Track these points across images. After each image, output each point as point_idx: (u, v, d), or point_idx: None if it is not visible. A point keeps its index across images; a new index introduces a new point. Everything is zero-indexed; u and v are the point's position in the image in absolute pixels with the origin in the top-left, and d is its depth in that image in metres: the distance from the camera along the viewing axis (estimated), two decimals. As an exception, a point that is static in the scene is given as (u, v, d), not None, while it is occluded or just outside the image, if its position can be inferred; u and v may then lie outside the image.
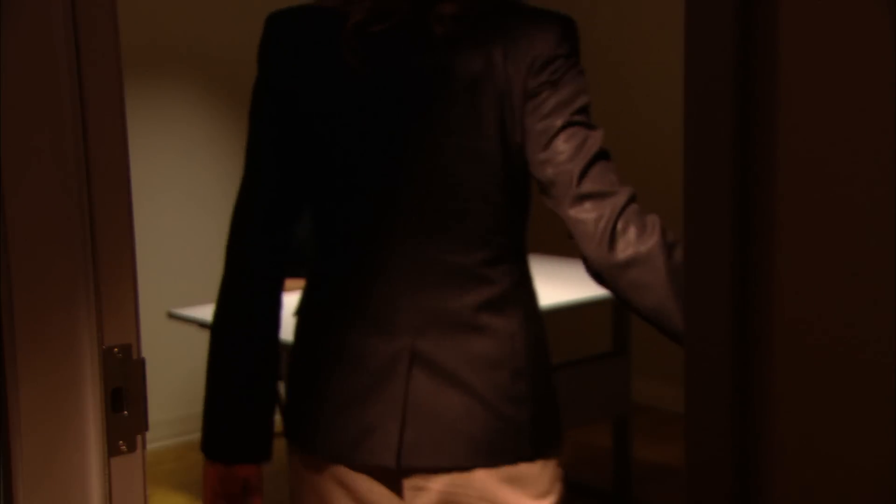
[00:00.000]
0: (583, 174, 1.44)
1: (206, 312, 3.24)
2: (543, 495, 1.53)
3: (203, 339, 3.97)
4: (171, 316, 3.28)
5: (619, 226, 1.42)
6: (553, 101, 1.45)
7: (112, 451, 1.10)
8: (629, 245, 1.41)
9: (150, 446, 1.28)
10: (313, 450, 1.55)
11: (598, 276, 1.45)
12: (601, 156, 1.46)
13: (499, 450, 1.49)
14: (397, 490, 1.52)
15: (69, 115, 1.05)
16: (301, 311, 1.67)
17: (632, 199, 1.45)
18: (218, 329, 1.66)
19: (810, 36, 0.86)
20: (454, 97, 1.47)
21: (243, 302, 1.63)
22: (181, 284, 4.32)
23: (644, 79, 4.66)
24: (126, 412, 1.10)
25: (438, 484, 1.50)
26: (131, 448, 1.11)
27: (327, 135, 1.51)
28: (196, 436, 4.77)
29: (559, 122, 1.45)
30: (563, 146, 1.45)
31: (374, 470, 1.51)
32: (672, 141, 4.26)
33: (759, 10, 0.88)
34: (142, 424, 1.12)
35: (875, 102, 0.83)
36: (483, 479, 1.49)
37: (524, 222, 1.55)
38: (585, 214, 1.43)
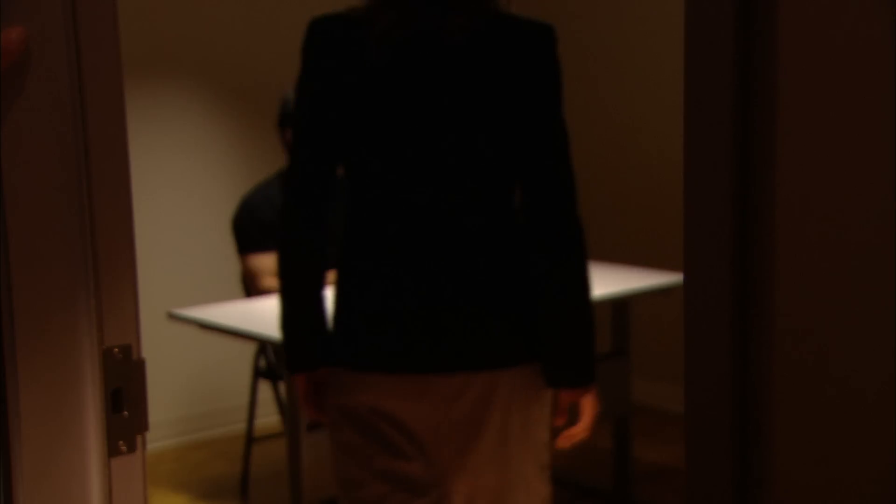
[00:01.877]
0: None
1: (206, 313, 3.24)
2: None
3: (203, 340, 3.98)
4: (172, 316, 3.28)
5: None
6: (542, 101, 1.88)
7: (112, 451, 1.10)
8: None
9: (150, 446, 1.29)
10: (366, 365, 1.92)
11: None
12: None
13: (513, 354, 1.92)
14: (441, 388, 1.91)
15: (69, 115, 1.05)
16: (344, 260, 2.02)
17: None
18: (287, 273, 2.01)
19: (810, 36, 0.86)
20: (461, 93, 1.86)
21: (302, 241, 2.00)
22: (181, 284, 4.32)
23: (644, 79, 4.66)
24: (126, 413, 1.10)
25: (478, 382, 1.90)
26: (131, 448, 1.11)
27: (355, 120, 1.88)
28: (196, 436, 4.77)
29: (547, 121, 1.88)
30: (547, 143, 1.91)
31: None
32: (672, 142, 4.26)
33: (759, 9, 0.88)
34: (142, 425, 1.12)
35: (875, 104, 0.83)
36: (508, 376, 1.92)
37: (512, 199, 1.95)
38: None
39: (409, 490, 1.93)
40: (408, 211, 1.90)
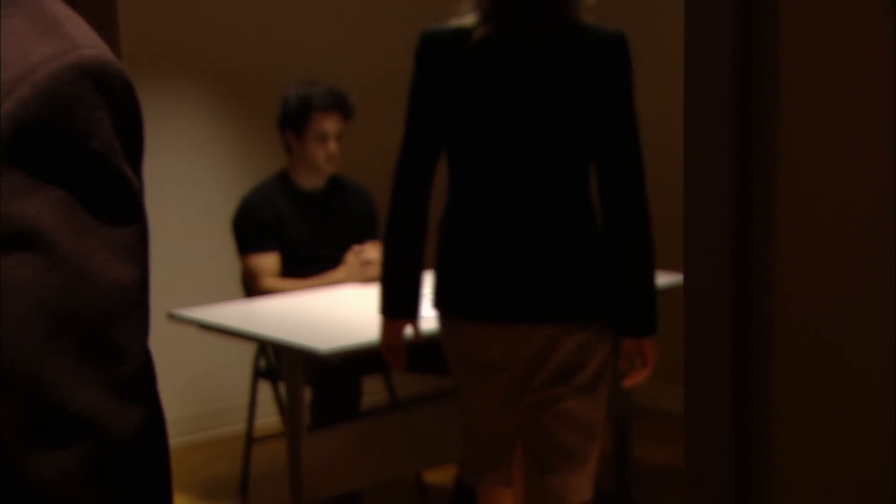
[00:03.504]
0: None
1: (206, 313, 3.24)
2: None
3: (203, 340, 3.98)
4: (172, 317, 3.28)
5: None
6: (620, 97, 2.28)
7: (112, 451, 1.09)
8: None
9: (150, 447, 1.28)
10: (466, 314, 2.40)
11: None
12: None
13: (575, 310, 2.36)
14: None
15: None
16: (445, 229, 2.44)
17: None
18: (392, 232, 2.47)
19: (810, 35, 0.86)
20: (545, 92, 2.27)
21: (410, 209, 2.43)
22: (181, 285, 4.32)
23: (644, 79, 4.66)
24: (126, 412, 1.10)
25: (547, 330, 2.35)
26: (131, 448, 1.10)
27: (455, 112, 2.33)
28: (196, 436, 4.77)
29: (624, 114, 2.29)
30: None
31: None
32: (672, 142, 4.26)
33: (759, 9, 0.88)
34: (142, 425, 1.11)
35: (875, 103, 0.83)
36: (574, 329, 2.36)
37: (585, 183, 2.35)
38: None
39: (493, 404, 2.44)
40: (497, 189, 2.32)
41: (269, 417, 4.26)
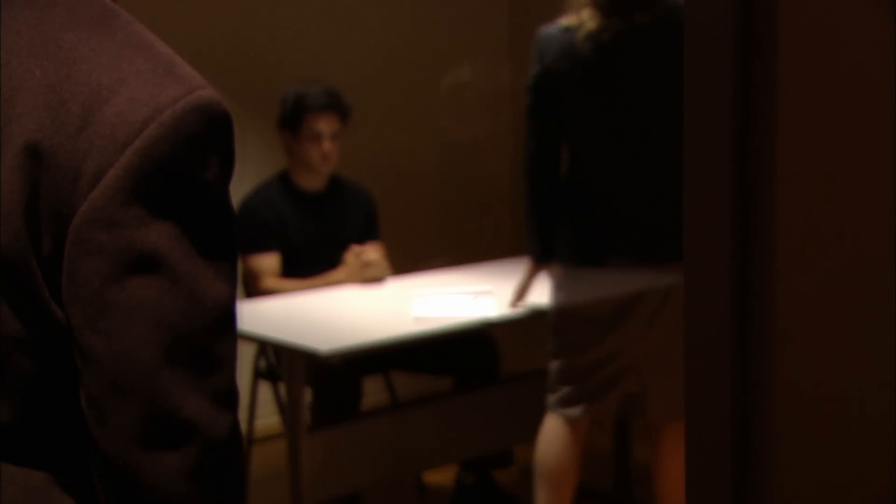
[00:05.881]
0: None
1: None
2: None
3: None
4: (172, 317, 3.27)
5: None
6: None
7: (113, 451, 1.09)
8: None
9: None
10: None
11: None
12: None
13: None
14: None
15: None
16: (568, 191, 2.87)
17: None
18: (533, 196, 2.90)
19: (810, 35, 0.87)
20: (645, 73, 2.65)
21: (545, 178, 2.87)
22: (181, 285, 4.31)
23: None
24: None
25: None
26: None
27: (569, 95, 2.74)
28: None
29: None
30: None
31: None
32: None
33: (759, 9, 0.88)
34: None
35: (875, 104, 0.83)
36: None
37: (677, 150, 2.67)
38: None
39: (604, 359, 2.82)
40: (607, 154, 2.75)
41: (269, 418, 4.26)
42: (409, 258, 3.97)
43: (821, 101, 0.86)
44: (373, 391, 3.83)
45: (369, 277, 3.53)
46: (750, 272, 0.91)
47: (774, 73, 0.88)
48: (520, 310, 3.13)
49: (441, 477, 3.82)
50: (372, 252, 3.59)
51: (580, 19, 2.69)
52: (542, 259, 2.96)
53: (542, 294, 3.02)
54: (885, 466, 0.87)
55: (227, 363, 0.89)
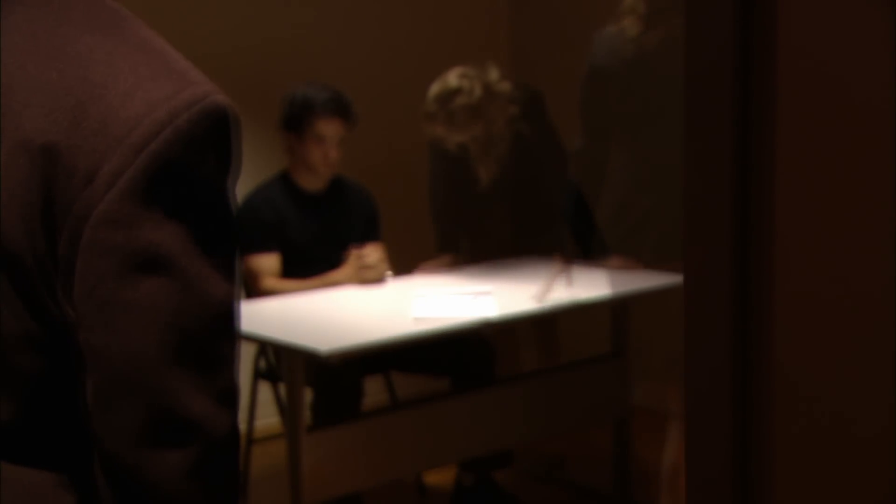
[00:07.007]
0: None
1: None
2: None
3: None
4: (172, 317, 3.27)
5: None
6: None
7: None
8: None
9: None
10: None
11: None
12: None
13: None
14: None
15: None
16: (610, 183, 3.20)
17: None
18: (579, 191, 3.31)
19: (810, 35, 0.87)
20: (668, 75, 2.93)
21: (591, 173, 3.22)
22: (181, 285, 4.31)
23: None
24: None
25: None
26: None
27: (617, 104, 3.10)
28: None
29: None
30: None
31: None
32: (672, 142, 4.25)
33: (759, 9, 0.88)
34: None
35: (875, 104, 0.83)
36: None
37: None
38: None
39: None
40: (637, 149, 3.02)
41: (269, 418, 4.26)
42: (409, 258, 3.97)
43: (820, 102, 0.87)
44: (373, 391, 3.83)
45: (370, 278, 3.53)
46: (750, 272, 0.91)
47: (774, 73, 0.88)
48: (542, 305, 3.23)
49: (441, 477, 3.82)
50: (372, 253, 3.59)
51: (621, 26, 3.01)
52: (590, 252, 3.35)
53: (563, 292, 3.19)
54: (885, 465, 0.87)
55: (230, 362, 0.90)
